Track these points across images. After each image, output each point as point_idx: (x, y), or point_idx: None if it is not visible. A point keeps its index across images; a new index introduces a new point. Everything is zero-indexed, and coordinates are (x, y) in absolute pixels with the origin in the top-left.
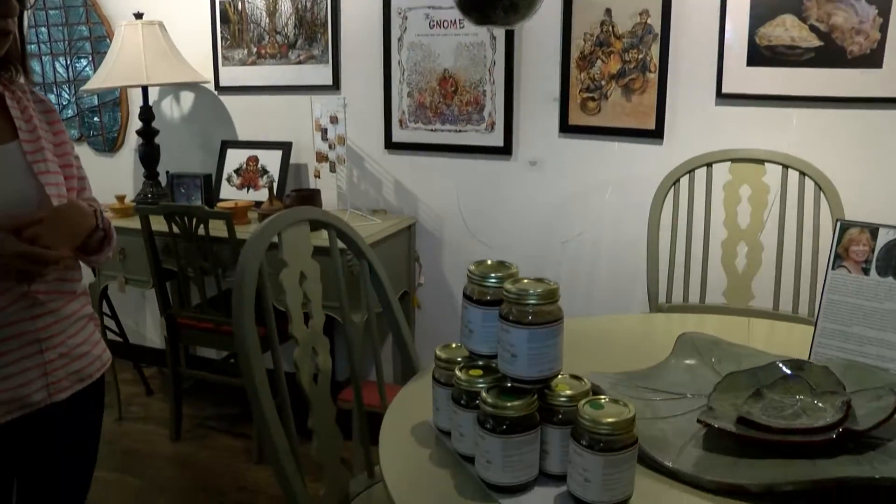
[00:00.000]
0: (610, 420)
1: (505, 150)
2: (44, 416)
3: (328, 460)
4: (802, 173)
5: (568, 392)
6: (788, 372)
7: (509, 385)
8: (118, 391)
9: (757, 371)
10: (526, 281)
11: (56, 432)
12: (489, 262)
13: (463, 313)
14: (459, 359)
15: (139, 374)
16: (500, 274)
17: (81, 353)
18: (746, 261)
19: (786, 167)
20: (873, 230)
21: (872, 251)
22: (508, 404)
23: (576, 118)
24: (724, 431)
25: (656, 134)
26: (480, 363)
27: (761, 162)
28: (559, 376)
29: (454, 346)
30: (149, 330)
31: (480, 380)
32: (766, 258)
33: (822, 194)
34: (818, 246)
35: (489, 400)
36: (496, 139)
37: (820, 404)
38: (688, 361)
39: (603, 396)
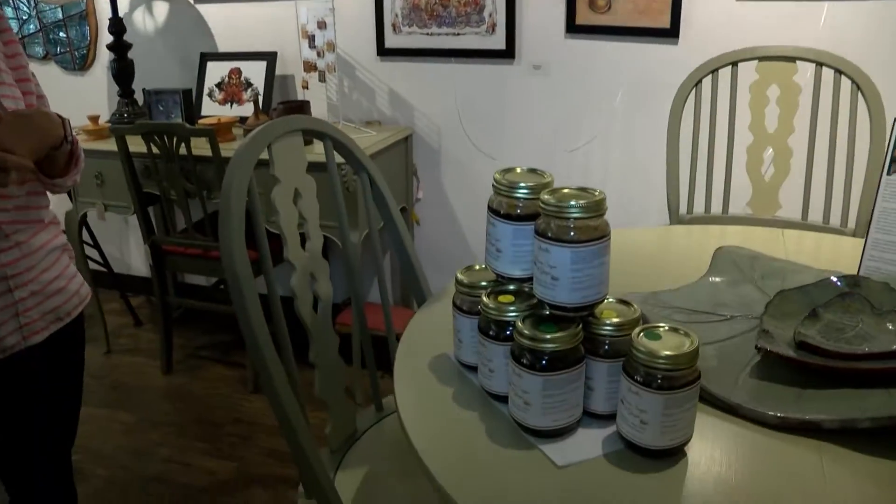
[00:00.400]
0: (670, 353)
1: (507, 54)
2: (18, 360)
3: (332, 396)
4: (838, 71)
5: (616, 319)
6: (845, 289)
7: (547, 313)
8: (104, 323)
9: (809, 289)
10: (566, 191)
11: (34, 377)
12: (518, 169)
13: (489, 230)
14: (484, 283)
15: (126, 305)
16: (532, 183)
17: (56, 290)
18: (774, 168)
19: (819, 65)
20: None
21: None
22: (549, 336)
23: (584, 17)
24: (787, 359)
25: (671, 33)
26: (511, 288)
27: (792, 60)
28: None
29: (478, 267)
30: (134, 258)
31: (512, 307)
32: (795, 165)
33: (860, 94)
34: (854, 150)
35: (526, 331)
36: (497, 42)
37: (890, 325)
38: (728, 278)
39: (661, 324)
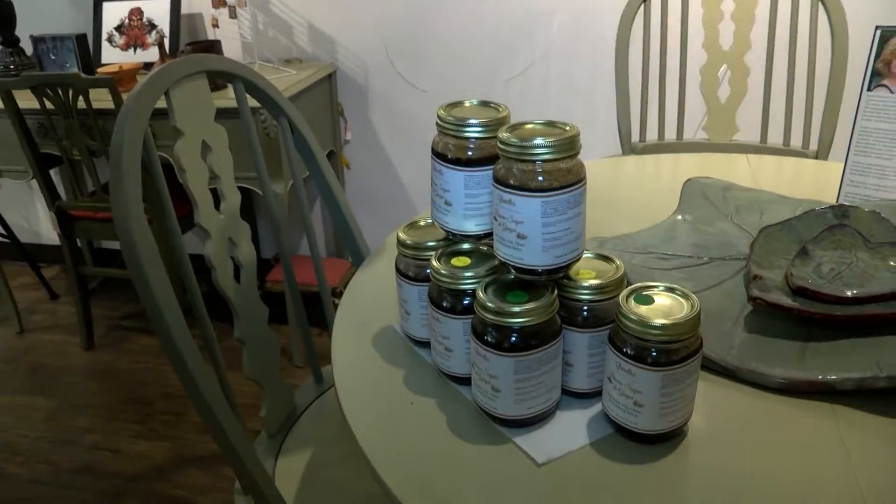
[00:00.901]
0: (667, 321)
1: None
2: None
3: (265, 375)
4: None
5: (595, 280)
6: (833, 221)
7: (513, 277)
8: (13, 301)
9: (793, 223)
10: (530, 126)
11: None
12: (467, 102)
13: (434, 179)
14: (432, 242)
15: (38, 277)
16: (485, 119)
17: None
18: (731, 88)
19: None
20: None
21: None
22: (518, 308)
23: None
24: (787, 309)
25: None
26: (466, 247)
27: None
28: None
29: (423, 223)
30: (43, 226)
31: (469, 272)
32: (752, 84)
33: (820, 5)
34: (815, 66)
35: (489, 303)
36: None
37: (891, 262)
38: (701, 215)
39: (652, 284)
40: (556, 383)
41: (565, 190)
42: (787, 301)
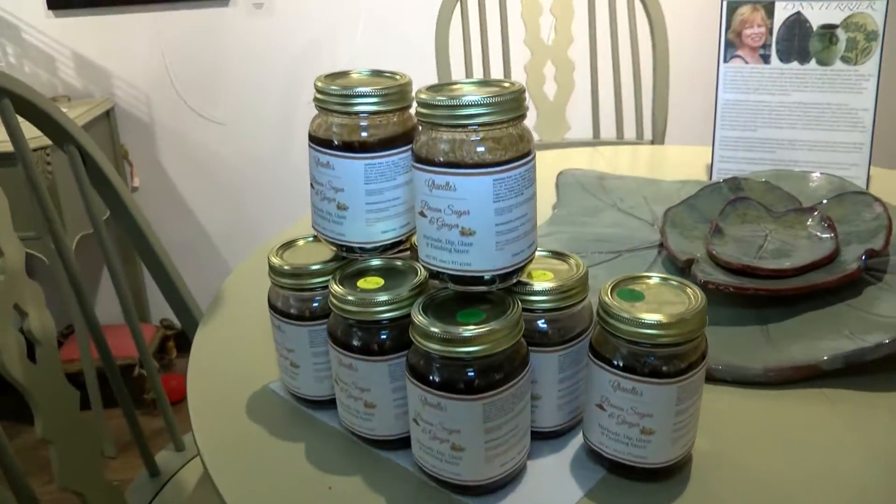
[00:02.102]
0: (674, 318)
1: None
2: None
3: (87, 482)
4: None
5: (550, 283)
6: (730, 195)
7: (450, 293)
8: None
9: (693, 202)
10: (457, 85)
11: None
12: (354, 73)
13: (317, 177)
14: (317, 266)
15: None
16: (383, 87)
17: None
18: (557, 85)
19: None
20: (768, 6)
21: (770, 32)
22: (477, 330)
23: None
24: (744, 290)
25: None
26: (376, 264)
27: None
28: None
29: (301, 242)
30: None
31: (386, 295)
32: (579, 79)
33: None
34: (638, 55)
35: (434, 329)
36: None
37: (800, 231)
38: (586, 207)
39: (639, 275)
40: (527, 426)
41: (519, 162)
42: (744, 282)
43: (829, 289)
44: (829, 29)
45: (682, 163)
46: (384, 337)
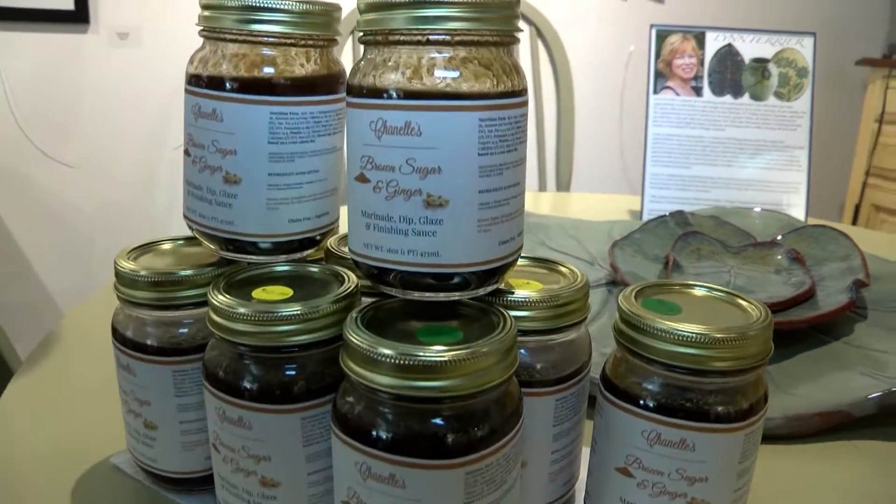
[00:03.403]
0: (730, 332)
1: (78, 17)
2: None
3: None
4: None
5: (541, 293)
6: (679, 230)
7: (394, 299)
8: None
9: (638, 237)
10: None
11: None
12: None
13: (196, 136)
14: (188, 271)
15: None
16: (303, 1)
17: None
18: None
19: None
20: (699, 35)
21: (702, 63)
22: (453, 353)
23: None
24: None
25: None
26: (281, 269)
27: None
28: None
29: (167, 245)
30: None
31: (300, 306)
32: None
33: (539, 39)
34: (541, 101)
35: (387, 351)
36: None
37: (767, 264)
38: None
39: (663, 282)
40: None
41: (515, 100)
42: None
43: (818, 326)
44: (761, 63)
45: (597, 209)
46: (294, 373)
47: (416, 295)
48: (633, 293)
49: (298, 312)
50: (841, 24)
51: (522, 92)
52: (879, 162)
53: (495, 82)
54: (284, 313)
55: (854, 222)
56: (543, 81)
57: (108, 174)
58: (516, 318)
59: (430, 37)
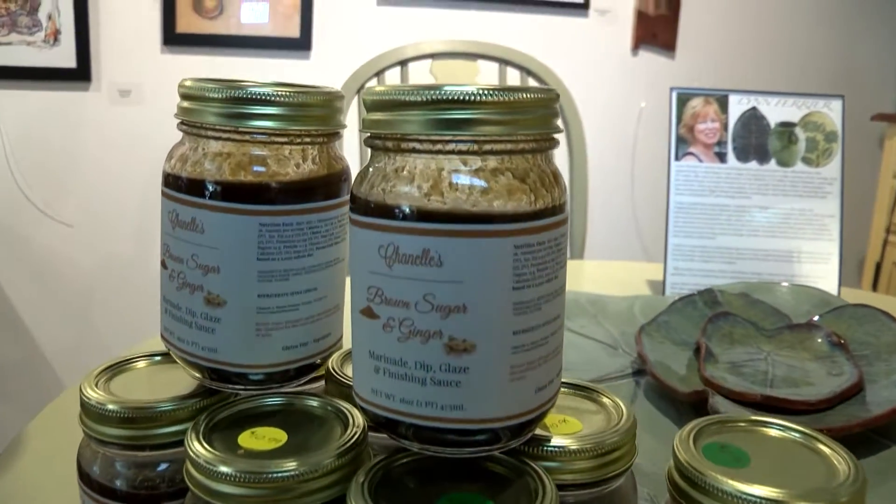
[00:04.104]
0: (814, 499)
1: (80, 75)
2: None
3: None
4: (527, 71)
5: (581, 439)
6: (708, 311)
7: (409, 454)
8: None
9: (666, 319)
10: (431, 89)
11: None
12: (251, 86)
13: (172, 248)
14: (167, 405)
15: None
16: (300, 91)
17: None
18: None
19: (505, 63)
20: (721, 98)
21: (725, 128)
22: None
23: (187, 24)
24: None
25: (302, 45)
26: (271, 404)
27: (474, 57)
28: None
29: (141, 363)
30: None
31: (295, 463)
32: None
33: None
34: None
35: None
36: (64, 57)
37: (805, 350)
38: None
39: (725, 419)
40: None
41: (553, 220)
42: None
43: (873, 427)
44: (787, 127)
45: (615, 279)
46: None
47: (436, 450)
48: (692, 435)
49: (294, 473)
50: (853, 80)
51: (563, 207)
52: None
53: (533, 198)
54: (277, 474)
55: (875, 280)
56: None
57: (107, 233)
58: (552, 469)
59: (454, 144)
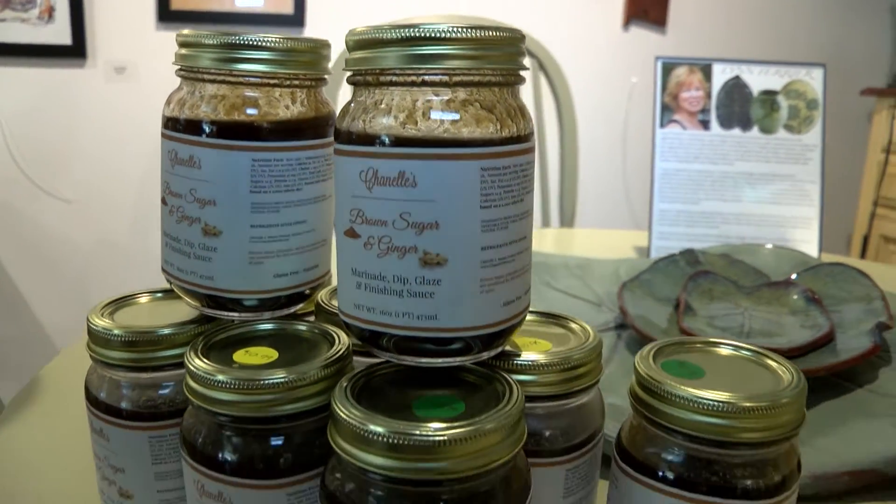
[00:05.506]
0: (759, 401)
1: (75, 52)
2: None
3: None
4: None
5: (550, 355)
6: (690, 270)
7: (388, 364)
8: None
9: (647, 277)
10: (403, 22)
11: None
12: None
13: (172, 185)
14: (167, 329)
15: None
16: (289, 38)
17: None
18: None
19: None
20: (705, 68)
21: (709, 96)
22: (454, 430)
23: (182, 0)
24: None
25: (295, 21)
26: (264, 328)
27: None
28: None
29: (144, 298)
30: None
31: (285, 372)
32: None
33: (541, 73)
34: (544, 137)
35: (379, 429)
36: (59, 34)
37: (783, 305)
38: None
39: (684, 340)
40: None
41: (520, 146)
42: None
43: (840, 372)
44: (769, 95)
45: (602, 246)
46: (280, 445)
47: (413, 360)
48: (652, 353)
49: (284, 380)
50: (845, 54)
51: (528, 137)
52: (887, 192)
53: (499, 127)
54: (268, 381)
55: (863, 254)
56: (546, 115)
57: (104, 208)
58: (523, 382)
59: (426, 77)
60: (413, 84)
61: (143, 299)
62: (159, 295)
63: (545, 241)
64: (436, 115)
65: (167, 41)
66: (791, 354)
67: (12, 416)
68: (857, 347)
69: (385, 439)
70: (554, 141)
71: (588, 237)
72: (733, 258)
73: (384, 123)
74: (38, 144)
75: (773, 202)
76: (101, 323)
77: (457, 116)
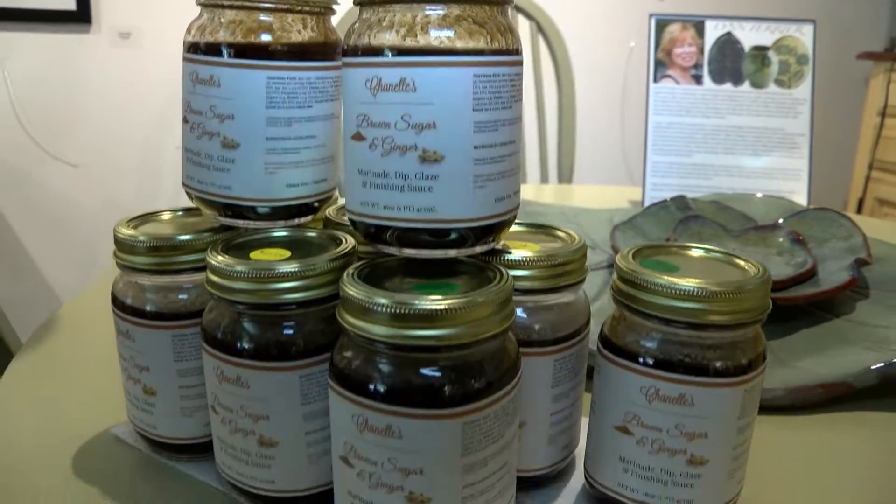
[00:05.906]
0: (727, 287)
1: (80, 17)
2: None
3: None
4: (516, 7)
5: (538, 254)
6: (680, 215)
7: (392, 259)
8: None
9: (639, 221)
10: None
11: None
12: None
13: (192, 103)
14: (187, 236)
15: None
16: None
17: None
18: None
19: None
20: (698, 24)
21: (702, 52)
22: (447, 302)
23: None
24: None
25: None
26: (279, 235)
27: None
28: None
29: (167, 214)
30: None
31: (297, 264)
32: None
33: (540, 35)
34: (543, 98)
35: (382, 301)
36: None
37: (770, 246)
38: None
39: (660, 244)
40: (514, 467)
41: (510, 58)
42: None
43: (819, 303)
44: (760, 51)
45: (599, 199)
46: (292, 332)
47: (413, 252)
48: (631, 254)
49: (296, 270)
50: (842, 18)
51: (517, 51)
52: (882, 155)
53: (489, 39)
54: (282, 270)
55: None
56: (544, 76)
57: (110, 172)
58: (514, 277)
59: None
60: (413, 1)
61: (166, 216)
62: (180, 213)
63: (544, 195)
64: (433, 29)
65: (171, 7)
66: (775, 288)
67: (34, 346)
68: (836, 280)
69: (389, 310)
70: (553, 101)
71: (585, 192)
72: (723, 205)
73: (387, 37)
74: (45, 110)
75: (764, 154)
76: (127, 232)
77: (451, 31)
